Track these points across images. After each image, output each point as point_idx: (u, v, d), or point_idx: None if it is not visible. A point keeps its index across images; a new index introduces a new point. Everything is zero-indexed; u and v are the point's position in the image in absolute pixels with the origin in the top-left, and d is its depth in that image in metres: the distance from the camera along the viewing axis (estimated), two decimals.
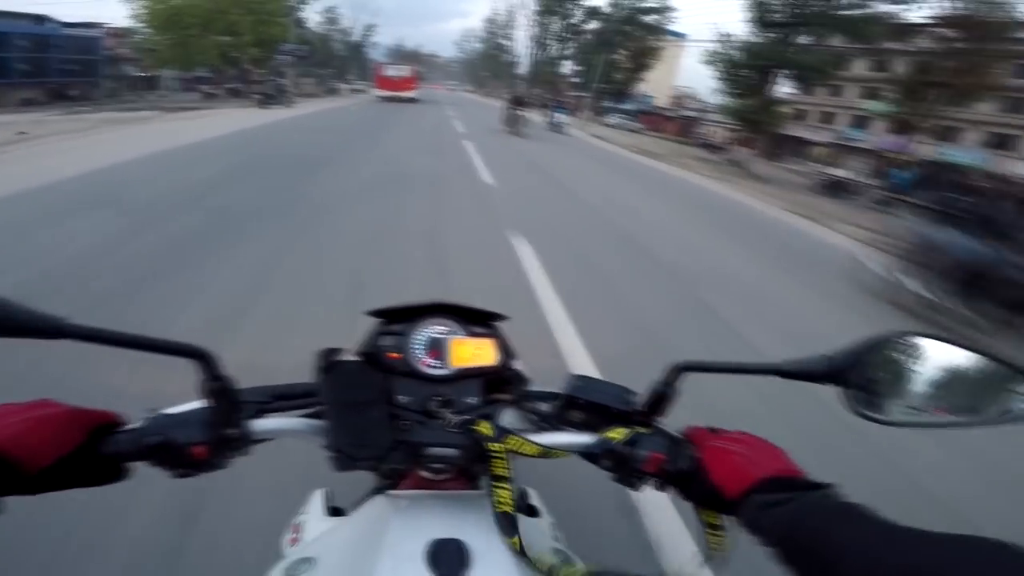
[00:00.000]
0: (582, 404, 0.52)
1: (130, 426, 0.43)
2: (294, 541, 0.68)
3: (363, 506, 0.56)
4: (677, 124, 40.11)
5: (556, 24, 45.22)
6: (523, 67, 62.55)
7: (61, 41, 23.05)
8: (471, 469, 0.52)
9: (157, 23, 22.25)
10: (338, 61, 52.99)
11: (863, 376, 0.44)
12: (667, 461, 0.46)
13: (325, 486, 0.76)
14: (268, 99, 17.21)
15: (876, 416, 0.44)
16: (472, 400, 0.53)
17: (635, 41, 37.43)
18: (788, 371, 0.45)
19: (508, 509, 0.44)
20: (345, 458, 0.44)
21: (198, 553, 1.30)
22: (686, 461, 0.45)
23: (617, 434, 0.47)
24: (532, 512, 0.71)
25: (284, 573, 0.47)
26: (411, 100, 27.45)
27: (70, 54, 23.28)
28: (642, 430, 0.48)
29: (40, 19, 22.23)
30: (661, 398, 0.50)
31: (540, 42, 49.44)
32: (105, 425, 0.42)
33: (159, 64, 23.28)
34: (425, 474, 0.53)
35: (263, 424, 0.46)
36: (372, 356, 0.54)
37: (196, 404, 0.44)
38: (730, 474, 0.42)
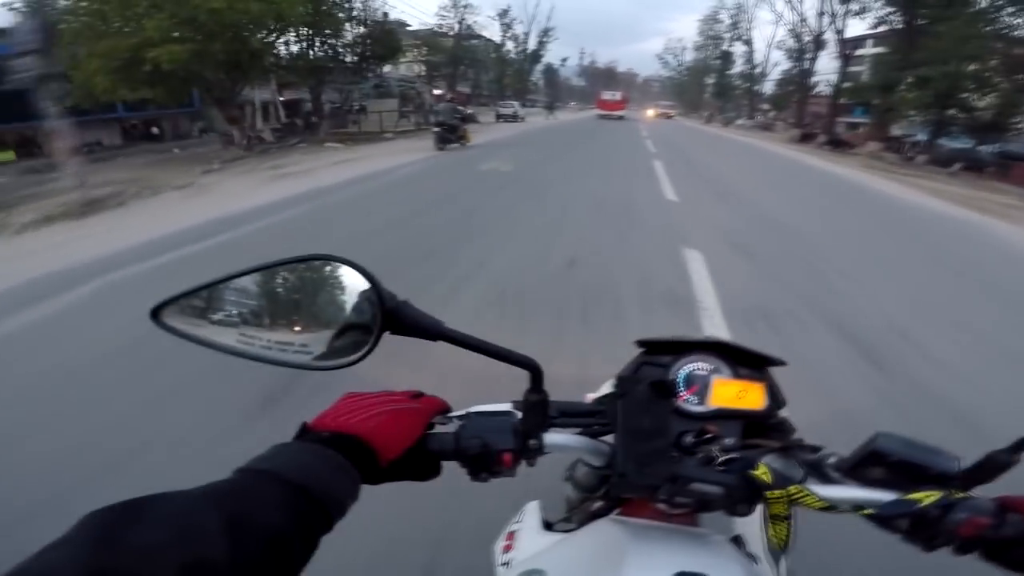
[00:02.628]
0: (891, 462, 0.47)
1: (449, 425, 0.48)
2: (508, 548, 0.70)
3: (589, 526, 0.58)
4: None
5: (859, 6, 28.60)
6: (769, 81, 46.27)
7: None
8: (716, 508, 0.53)
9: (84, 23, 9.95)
10: (482, 72, 37.74)
11: None
12: (991, 527, 0.43)
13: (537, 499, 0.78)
14: (449, 134, 12.22)
15: None
16: (731, 441, 0.53)
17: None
18: None
19: (777, 547, 0.48)
20: (628, 483, 0.46)
21: None
22: (1013, 528, 0.43)
23: (928, 496, 0.44)
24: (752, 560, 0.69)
25: None
26: (620, 118, 34.62)
27: None
28: (958, 494, 0.44)
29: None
30: (995, 466, 0.44)
31: (817, 41, 33.37)
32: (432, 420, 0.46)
33: (82, 94, 10.04)
34: (660, 505, 0.55)
35: (553, 438, 0.49)
36: (662, 387, 0.54)
37: (502, 406, 0.49)
38: None
